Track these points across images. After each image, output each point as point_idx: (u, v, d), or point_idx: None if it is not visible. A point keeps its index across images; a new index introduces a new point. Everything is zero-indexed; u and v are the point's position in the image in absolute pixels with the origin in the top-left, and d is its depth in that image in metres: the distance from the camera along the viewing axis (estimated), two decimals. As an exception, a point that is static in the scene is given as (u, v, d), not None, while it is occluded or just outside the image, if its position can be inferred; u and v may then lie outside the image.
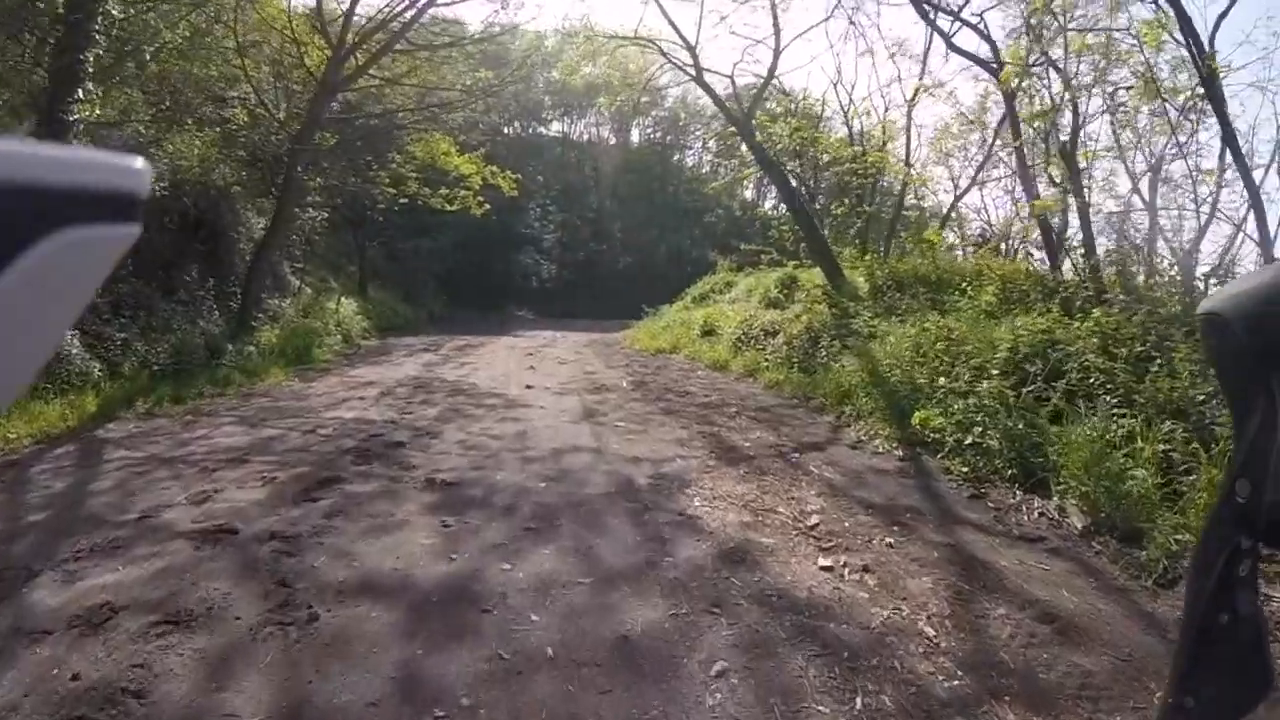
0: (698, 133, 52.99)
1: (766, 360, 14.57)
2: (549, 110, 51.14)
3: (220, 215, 17.74)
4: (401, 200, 28.50)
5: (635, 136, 54.41)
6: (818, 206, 52.69)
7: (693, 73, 21.41)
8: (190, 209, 16.45)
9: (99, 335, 12.45)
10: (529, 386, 12.83)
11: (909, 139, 26.89)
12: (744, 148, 54.02)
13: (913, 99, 26.57)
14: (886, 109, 29.54)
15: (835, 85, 39.89)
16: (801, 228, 19.57)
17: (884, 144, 27.63)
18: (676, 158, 54.90)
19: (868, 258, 21.23)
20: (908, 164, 27.55)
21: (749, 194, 56.03)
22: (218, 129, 18.56)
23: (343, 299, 25.36)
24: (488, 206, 29.17)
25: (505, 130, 48.70)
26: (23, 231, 0.36)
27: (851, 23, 30.11)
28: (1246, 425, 0.63)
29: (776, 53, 21.50)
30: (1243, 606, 0.65)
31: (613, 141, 53.50)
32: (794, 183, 24.40)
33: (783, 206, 56.16)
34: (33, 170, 0.37)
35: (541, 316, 38.93)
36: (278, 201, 18.55)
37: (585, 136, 53.85)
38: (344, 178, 28.17)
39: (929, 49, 24.41)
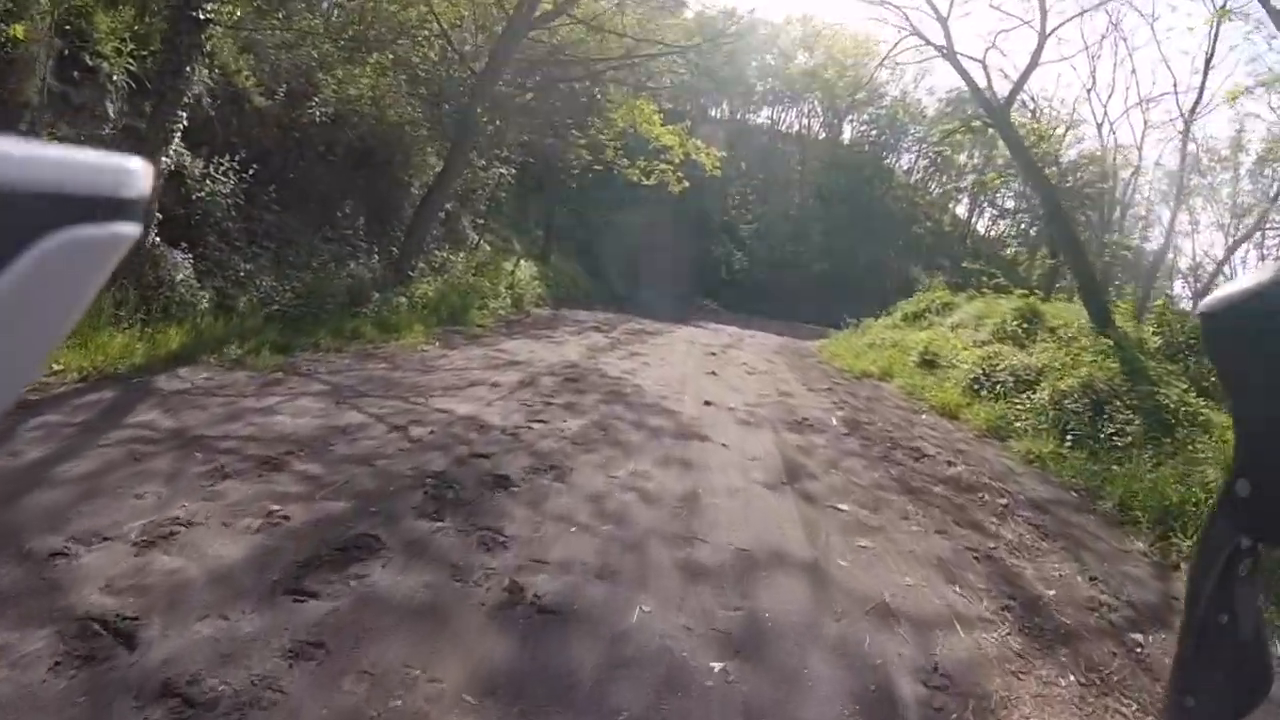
0: (913, 136, 48.06)
1: (1020, 419, 10.69)
2: (759, 97, 47.45)
3: (391, 153, 15.46)
4: (596, 168, 25.90)
5: (847, 134, 50.02)
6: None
7: (942, 47, 17.25)
8: (355, 142, 14.21)
9: (220, 262, 10.14)
10: (708, 403, 9.44)
11: (1183, 162, 21.82)
12: (963, 158, 49.35)
13: (1193, 109, 21.58)
14: (1146, 126, 24.38)
15: (1089, 93, 34.17)
16: (1065, 251, 15.42)
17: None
18: (888, 159, 50.10)
19: (1129, 303, 16.94)
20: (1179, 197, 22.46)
21: (961, 210, 50.82)
22: (393, 60, 16.20)
23: (522, 262, 22.95)
24: (686, 184, 26.16)
25: (713, 111, 45.61)
26: (22, 232, 0.35)
27: (1112, 24, 24.33)
28: (1246, 425, 0.61)
29: (1042, 35, 17.04)
30: (1243, 606, 0.62)
31: (822, 136, 49.27)
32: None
33: (998, 226, 51.22)
34: (33, 170, 0.35)
35: (728, 310, 35.55)
36: (452, 145, 15.97)
37: (795, 128, 49.88)
38: (540, 135, 25.87)
39: (1213, 52, 18.76)
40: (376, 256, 14.49)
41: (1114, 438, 9.25)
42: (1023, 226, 47.99)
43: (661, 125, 24.67)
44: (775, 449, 7.62)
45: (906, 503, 6.51)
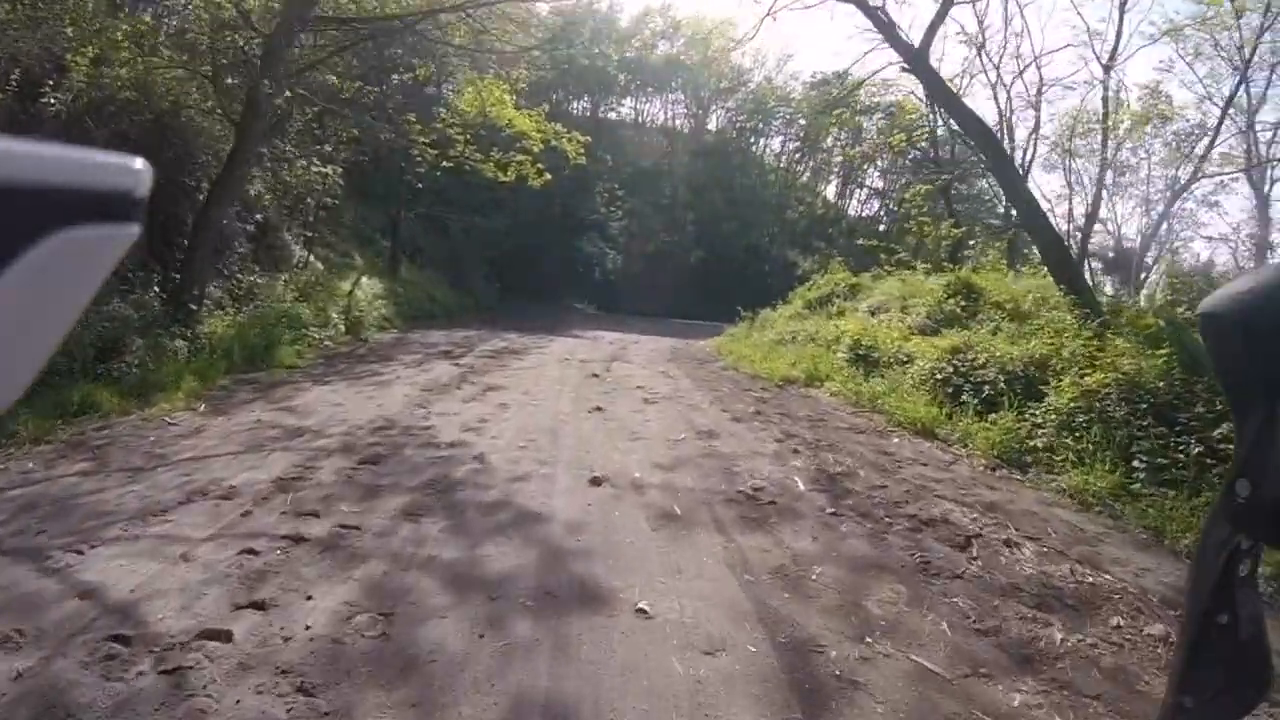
0: (781, 120, 45.26)
1: (1039, 437, 7.30)
2: (621, 88, 43.76)
3: (169, 150, 11.30)
4: (445, 164, 21.69)
5: (713, 122, 46.93)
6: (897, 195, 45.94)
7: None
8: (113, 138, 10.30)
9: None
10: (596, 481, 5.55)
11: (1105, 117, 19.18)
12: (830, 140, 46.94)
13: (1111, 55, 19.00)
14: (1042, 83, 21.88)
15: (979, 51, 31.58)
16: (1020, 208, 12.18)
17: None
18: (757, 144, 47.26)
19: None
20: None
21: (830, 193, 48.48)
22: (154, 22, 11.88)
23: (364, 279, 18.63)
24: (548, 177, 22.22)
25: (573, 108, 41.68)
26: (23, 231, 0.35)
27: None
28: (1246, 425, 0.58)
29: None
30: (1243, 606, 0.61)
31: (689, 125, 46.03)
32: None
33: (869, 207, 49.17)
34: (33, 170, 0.35)
35: (605, 312, 31.73)
36: (236, 133, 11.69)
37: (660, 119, 46.47)
38: (374, 129, 21.44)
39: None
40: (156, 288, 10.23)
41: (1209, 463, 5.84)
42: (891, 206, 45.95)
43: (515, 109, 20.72)
44: (745, 601, 3.75)
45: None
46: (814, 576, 4.09)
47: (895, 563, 4.42)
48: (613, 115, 44.45)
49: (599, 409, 8.39)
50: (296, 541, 4.18)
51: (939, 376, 9.35)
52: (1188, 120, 24.20)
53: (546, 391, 9.50)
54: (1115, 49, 19.20)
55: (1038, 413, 7.81)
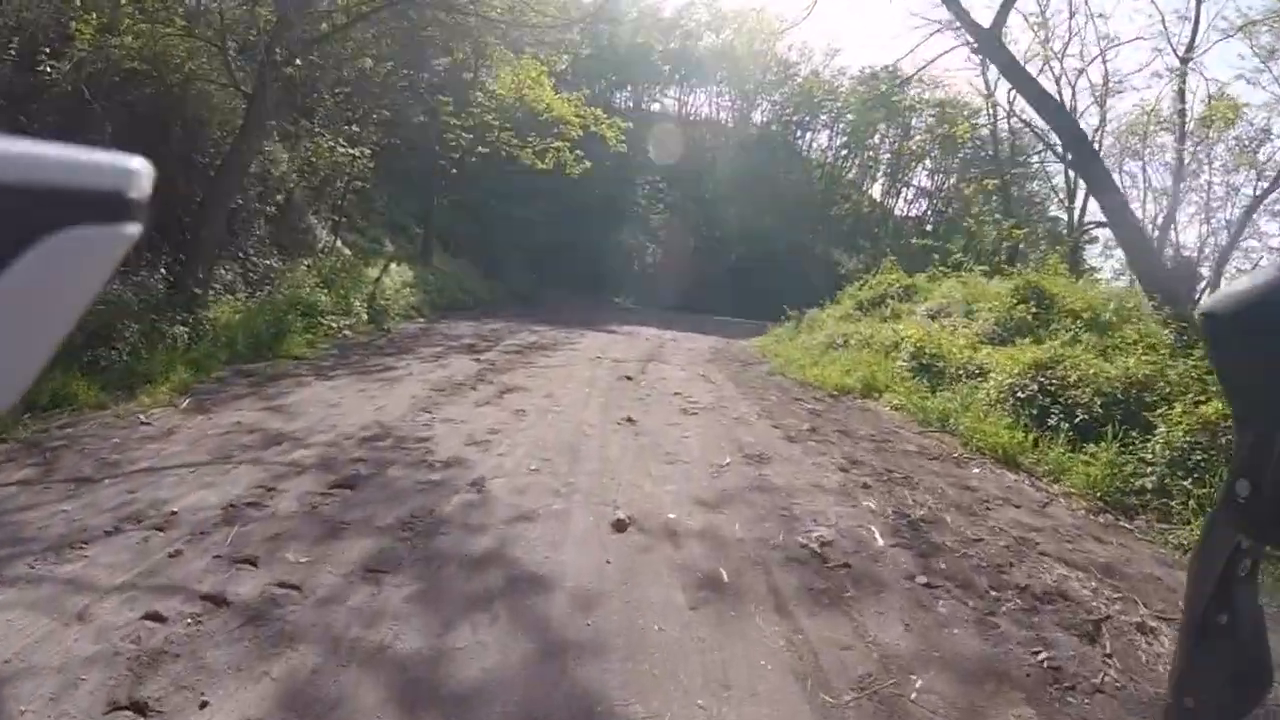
0: (827, 115, 43.64)
1: (1148, 476, 6.02)
2: (664, 79, 42.43)
3: (180, 126, 10.52)
4: (480, 150, 20.65)
5: (758, 116, 45.43)
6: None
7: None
8: (123, 111, 9.60)
9: None
10: (619, 524, 4.36)
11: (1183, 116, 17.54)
12: (878, 137, 45.31)
13: (1189, 47, 17.35)
14: (1107, 78, 20.27)
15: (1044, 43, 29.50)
16: (1105, 204, 10.75)
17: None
18: (802, 138, 45.71)
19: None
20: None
21: (875, 192, 46.80)
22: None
23: (393, 266, 17.67)
24: (588, 165, 21.07)
25: (616, 99, 40.42)
26: (23, 231, 0.35)
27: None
28: (1247, 426, 0.59)
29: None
30: (1243, 606, 0.61)
31: (732, 118, 44.57)
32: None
33: (916, 206, 47.39)
34: (33, 170, 0.35)
35: (643, 306, 30.51)
36: (247, 108, 10.75)
37: (703, 112, 45.09)
38: (407, 111, 20.45)
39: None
40: (163, 270, 9.39)
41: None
42: (939, 206, 44.26)
43: (554, 93, 19.57)
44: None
45: None
46: (914, 695, 2.88)
47: (1016, 666, 3.20)
48: (656, 107, 43.16)
49: (630, 420, 7.20)
50: (217, 605, 3.11)
51: (1021, 395, 8.03)
52: (1252, 124, 22.42)
53: (572, 396, 8.34)
54: (1192, 41, 17.57)
55: (1146, 446, 6.51)
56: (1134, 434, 6.70)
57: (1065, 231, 22.20)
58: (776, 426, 7.58)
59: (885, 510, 5.12)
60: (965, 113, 32.24)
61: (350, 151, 15.84)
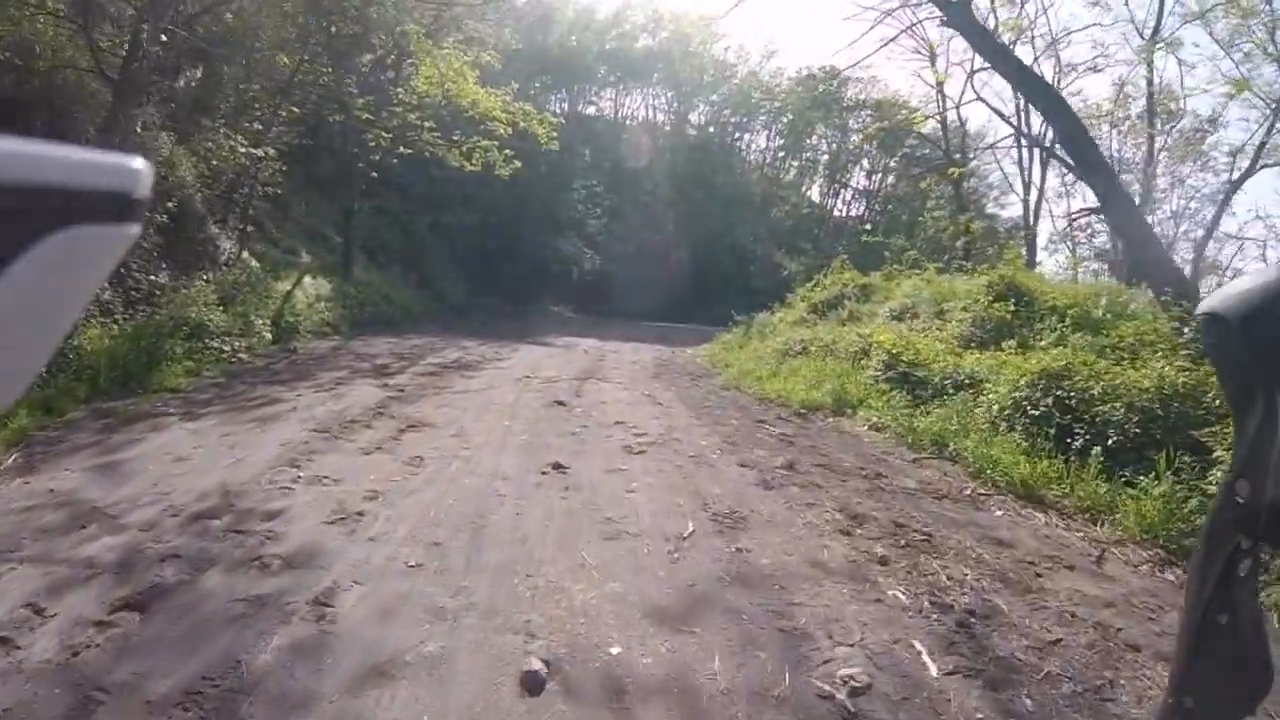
0: (766, 113, 42.43)
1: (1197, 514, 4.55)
2: (600, 80, 40.77)
3: (42, 111, 8.83)
4: (402, 150, 18.77)
5: (695, 118, 44.04)
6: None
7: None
8: None
9: None
10: (531, 681, 2.65)
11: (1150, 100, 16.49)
12: (815, 137, 44.27)
13: (1154, 33, 16.31)
14: (1060, 69, 19.30)
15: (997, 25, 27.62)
16: (1102, 192, 9.32)
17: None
18: (741, 139, 44.44)
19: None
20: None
21: (814, 194, 45.80)
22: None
23: (308, 279, 15.75)
24: (518, 165, 19.34)
25: (550, 103, 38.59)
26: (24, 231, 0.34)
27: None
28: (1247, 426, 0.58)
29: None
30: (1243, 606, 0.60)
31: (669, 125, 43.08)
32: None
33: (853, 207, 46.36)
34: (33, 170, 0.35)
35: (582, 315, 28.76)
36: (114, 97, 8.98)
37: (641, 113, 43.56)
38: (321, 109, 18.48)
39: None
40: None
41: None
42: (879, 206, 43.41)
43: (479, 87, 17.80)
44: None
45: None
46: None
47: None
48: (592, 109, 41.46)
49: (558, 467, 5.50)
50: None
51: (1033, 412, 6.57)
52: (1198, 115, 21.68)
53: (489, 432, 6.61)
54: (1157, 28, 16.57)
55: (1205, 475, 5.09)
56: (1186, 459, 5.28)
57: (1022, 226, 21.23)
58: (745, 465, 5.96)
59: (919, 602, 3.54)
60: (904, 111, 31.33)
61: (254, 152, 13.95)
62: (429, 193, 27.24)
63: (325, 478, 5.02)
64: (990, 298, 10.37)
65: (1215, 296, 0.57)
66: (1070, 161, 10.15)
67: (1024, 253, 18.31)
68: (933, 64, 21.09)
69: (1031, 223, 20.41)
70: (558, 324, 23.24)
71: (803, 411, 8.65)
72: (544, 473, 5.36)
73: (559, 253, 32.24)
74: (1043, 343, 8.89)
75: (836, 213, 45.02)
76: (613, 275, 32.62)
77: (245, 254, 14.63)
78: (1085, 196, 19.84)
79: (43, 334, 0.38)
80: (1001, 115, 15.89)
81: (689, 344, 17.77)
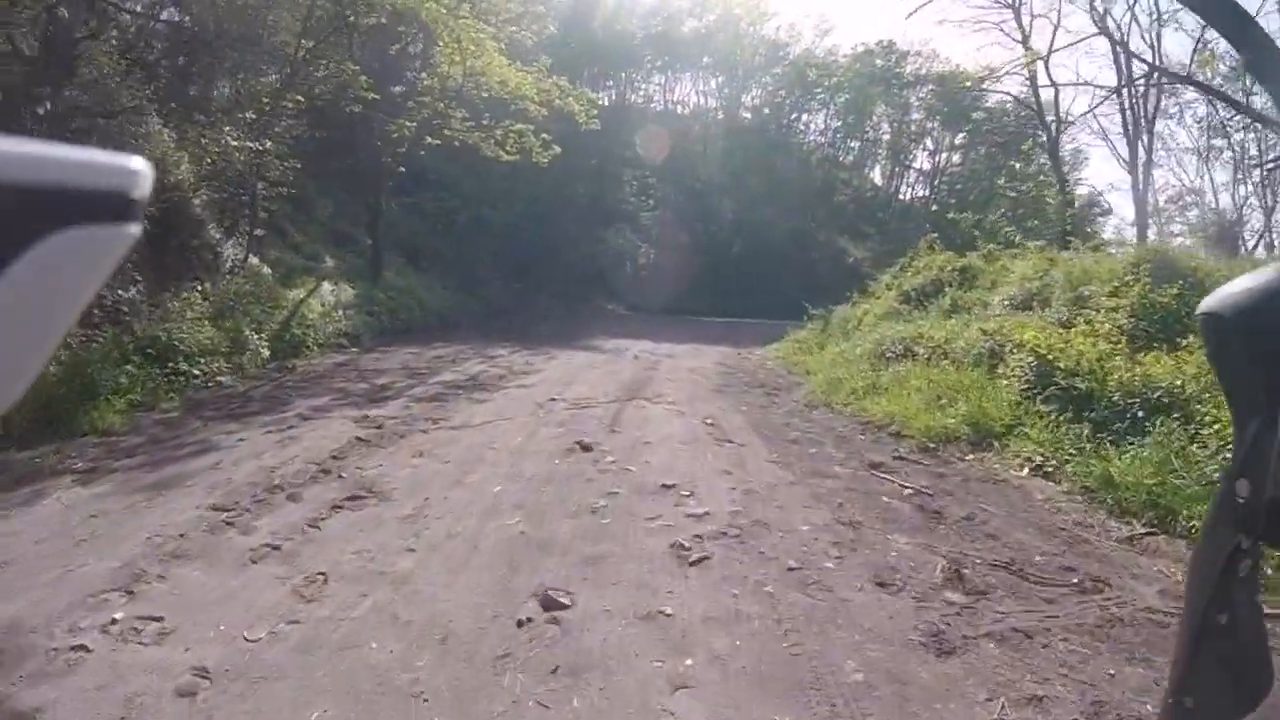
0: (823, 91, 39.21)
1: None
2: (647, 65, 38.09)
3: None
4: (429, 140, 16.48)
5: (749, 100, 41.09)
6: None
7: None
8: None
9: None
10: None
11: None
12: (876, 116, 40.95)
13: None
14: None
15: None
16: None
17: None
18: (800, 120, 41.26)
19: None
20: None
21: (876, 177, 42.48)
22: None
23: (327, 285, 13.65)
24: (556, 150, 16.92)
25: (599, 94, 36.11)
26: (23, 231, 0.33)
27: None
28: (1246, 425, 0.56)
29: None
30: (1242, 606, 0.58)
31: (720, 110, 40.20)
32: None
33: (916, 190, 42.83)
34: (33, 170, 0.33)
35: (636, 312, 26.20)
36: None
37: (691, 99, 40.76)
38: (339, 98, 16.22)
39: None
40: None
41: None
42: (946, 187, 39.88)
43: (506, 63, 15.41)
44: None
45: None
46: None
47: None
48: (640, 96, 38.83)
49: (551, 608, 2.98)
50: None
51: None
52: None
53: (464, 509, 4.12)
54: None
55: None
56: None
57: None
58: (883, 584, 3.31)
59: None
60: (967, 82, 28.18)
61: (250, 146, 11.80)
62: (469, 188, 25.02)
63: (146, 627, 2.70)
64: (1145, 280, 7.59)
65: (1215, 296, 0.55)
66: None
67: (1134, 227, 15.33)
68: (1017, 19, 17.99)
69: (1142, 189, 17.23)
70: (608, 323, 20.67)
71: (930, 445, 5.97)
72: (521, 624, 2.84)
73: (610, 247, 29.73)
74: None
75: (901, 195, 41.64)
76: (668, 269, 29.94)
77: (255, 260, 12.53)
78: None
79: (42, 336, 0.35)
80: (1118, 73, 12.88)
81: (755, 343, 15.08)
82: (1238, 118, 22.04)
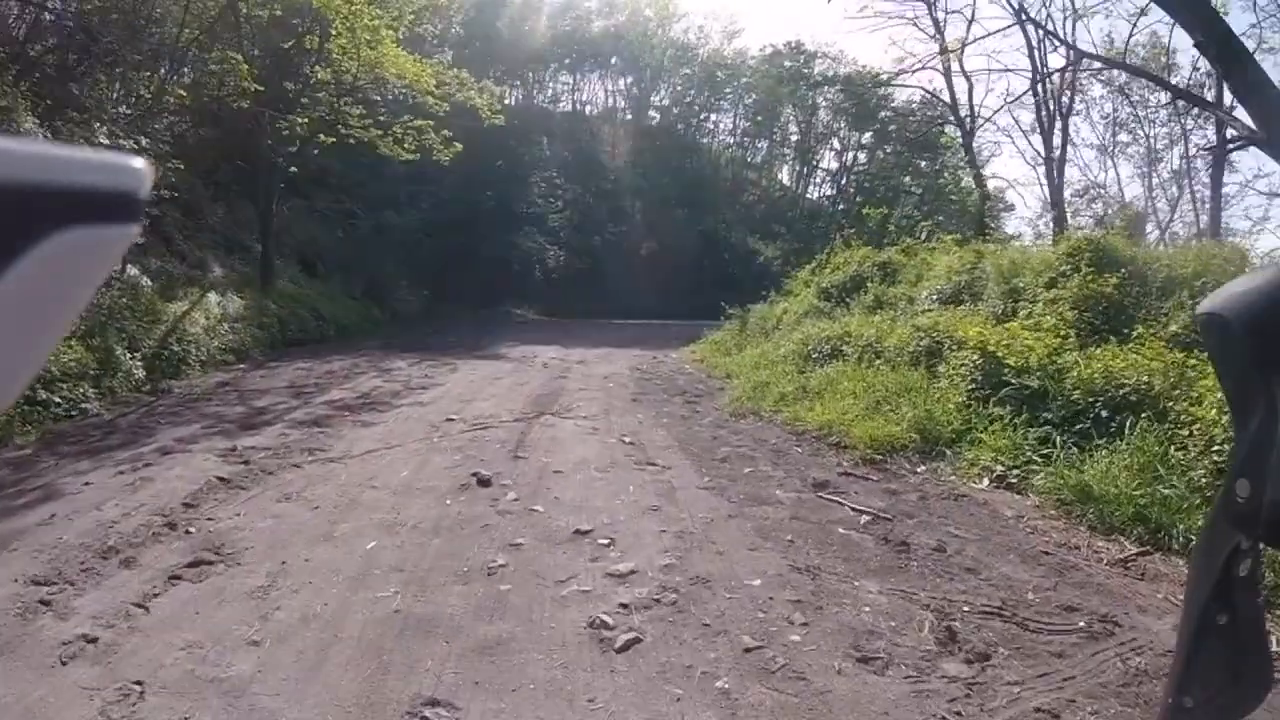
0: (732, 92, 38.96)
1: None
2: (555, 67, 37.16)
3: None
4: (322, 137, 15.19)
5: (657, 101, 40.54)
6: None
7: None
8: None
9: None
10: None
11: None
12: (782, 118, 40.97)
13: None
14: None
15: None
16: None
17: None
18: (710, 120, 40.90)
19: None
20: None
21: (784, 177, 42.48)
22: None
23: (213, 296, 12.39)
24: (458, 147, 15.87)
25: (506, 97, 34.90)
26: (23, 232, 0.32)
27: None
28: (1246, 425, 0.54)
29: None
30: (1242, 606, 0.57)
31: (629, 110, 39.57)
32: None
33: (825, 191, 42.93)
34: (33, 170, 0.32)
35: (548, 317, 25.22)
36: None
37: (600, 99, 39.99)
38: (218, 94, 14.77)
39: None
40: None
41: None
42: (854, 186, 40.08)
43: (404, 54, 14.29)
44: None
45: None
46: None
47: None
48: (547, 97, 37.87)
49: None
50: None
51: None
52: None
53: (326, 575, 3.20)
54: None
55: None
56: None
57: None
58: (867, 659, 2.57)
59: None
60: (883, 75, 28.32)
61: (125, 144, 10.53)
62: (372, 192, 23.68)
63: None
64: (1081, 270, 7.17)
65: (1215, 296, 0.53)
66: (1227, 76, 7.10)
67: (1052, 223, 15.27)
68: (931, 14, 17.84)
69: (1058, 181, 17.23)
70: (518, 329, 19.63)
71: (875, 457, 5.28)
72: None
73: (518, 250, 28.68)
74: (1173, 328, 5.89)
75: (809, 195, 41.72)
76: (579, 272, 29.08)
77: (133, 271, 11.19)
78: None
79: (42, 335, 0.34)
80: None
81: (671, 344, 14.37)
82: (1145, 111, 22.53)
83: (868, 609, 2.95)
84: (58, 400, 6.97)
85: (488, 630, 2.71)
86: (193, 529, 3.87)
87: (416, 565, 3.32)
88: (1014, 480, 4.74)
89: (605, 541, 3.56)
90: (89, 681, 2.46)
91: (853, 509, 4.19)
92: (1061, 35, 15.84)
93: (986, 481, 4.81)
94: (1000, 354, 5.95)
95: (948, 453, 5.29)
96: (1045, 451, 4.90)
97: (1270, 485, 0.51)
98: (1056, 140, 18.11)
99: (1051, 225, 19.92)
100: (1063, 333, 6.26)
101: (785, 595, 2.99)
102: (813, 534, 3.76)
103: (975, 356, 6.11)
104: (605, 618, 2.76)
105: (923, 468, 5.15)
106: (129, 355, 8.67)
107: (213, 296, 12.34)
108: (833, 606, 2.95)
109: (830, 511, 4.16)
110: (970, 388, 5.93)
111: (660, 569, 3.22)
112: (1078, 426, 5.02)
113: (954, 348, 6.58)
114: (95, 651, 2.65)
